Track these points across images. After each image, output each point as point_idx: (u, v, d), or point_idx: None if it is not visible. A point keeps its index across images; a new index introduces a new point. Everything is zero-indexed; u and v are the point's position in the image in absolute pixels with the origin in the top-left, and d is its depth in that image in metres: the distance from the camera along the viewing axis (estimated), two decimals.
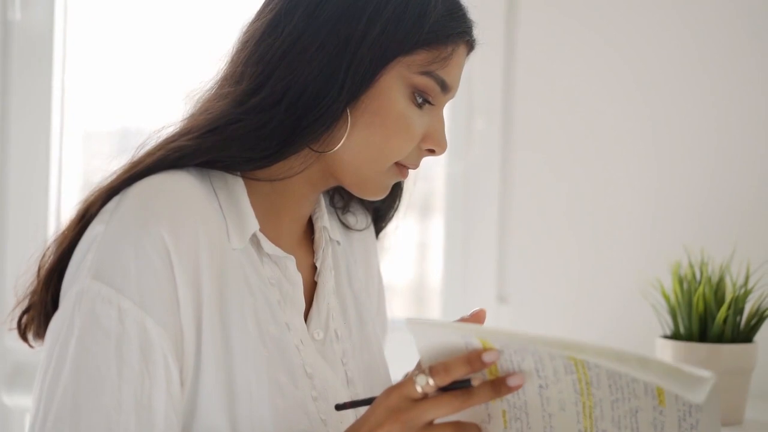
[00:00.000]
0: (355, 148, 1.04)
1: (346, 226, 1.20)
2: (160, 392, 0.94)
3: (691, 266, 1.67)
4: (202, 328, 0.97)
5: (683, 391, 0.83)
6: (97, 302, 0.94)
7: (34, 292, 1.02)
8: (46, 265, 1.02)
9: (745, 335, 1.63)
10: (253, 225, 1.03)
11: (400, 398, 0.90)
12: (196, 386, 0.97)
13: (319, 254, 1.12)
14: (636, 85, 1.97)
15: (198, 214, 0.99)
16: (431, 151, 1.09)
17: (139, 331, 0.94)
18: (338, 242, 1.17)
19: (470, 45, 1.10)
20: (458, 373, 0.89)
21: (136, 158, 1.02)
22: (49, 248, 1.03)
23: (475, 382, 0.90)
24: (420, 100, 1.06)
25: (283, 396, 1.00)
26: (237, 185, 1.04)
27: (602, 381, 0.87)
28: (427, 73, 1.05)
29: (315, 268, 1.13)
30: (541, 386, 0.90)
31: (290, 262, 1.06)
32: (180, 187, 0.99)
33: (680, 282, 1.65)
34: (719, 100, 1.93)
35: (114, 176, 1.01)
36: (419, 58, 1.05)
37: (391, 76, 1.04)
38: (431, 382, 0.89)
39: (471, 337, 0.89)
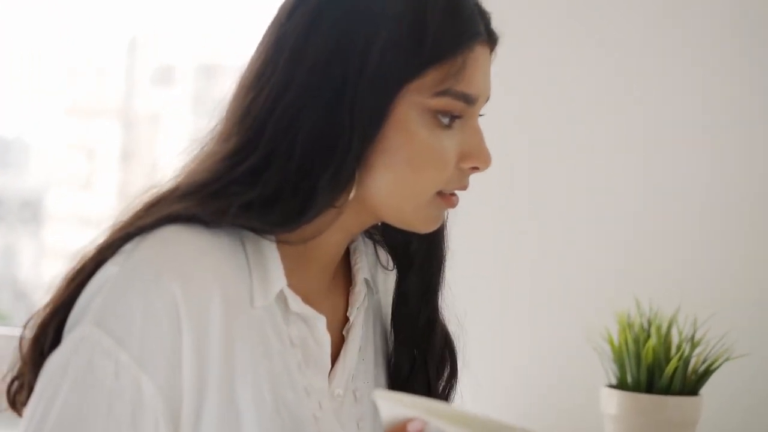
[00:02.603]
0: (385, 190, 0.95)
1: (382, 265, 1.12)
2: None
3: (640, 316, 1.66)
4: (206, 393, 0.90)
5: None
6: (96, 352, 0.88)
7: (24, 362, 0.96)
8: (40, 320, 0.95)
9: (691, 388, 1.63)
10: (280, 281, 0.95)
11: None
12: None
13: (354, 311, 1.05)
14: (586, 129, 1.98)
15: (217, 271, 0.92)
16: (475, 169, 0.99)
17: (134, 390, 0.88)
18: (375, 292, 1.10)
19: (489, 41, 0.99)
20: None
21: (125, 219, 0.96)
22: (42, 309, 0.96)
23: None
24: (446, 121, 0.96)
25: None
26: (267, 243, 0.96)
27: None
28: (443, 93, 0.94)
29: (345, 319, 1.05)
30: None
31: (320, 322, 0.99)
32: (201, 240, 0.92)
33: (629, 331, 1.64)
34: (677, 155, 1.94)
35: (106, 235, 0.95)
36: (429, 79, 0.94)
37: (404, 108, 0.94)
38: None
39: (442, 427, 0.85)
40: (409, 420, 0.85)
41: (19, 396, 0.97)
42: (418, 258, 1.09)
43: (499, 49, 1.01)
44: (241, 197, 0.92)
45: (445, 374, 1.12)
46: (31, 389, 0.94)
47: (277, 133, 0.93)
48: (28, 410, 0.91)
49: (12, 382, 0.98)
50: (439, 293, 1.11)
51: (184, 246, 0.92)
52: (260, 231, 0.95)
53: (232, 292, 0.93)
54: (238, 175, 0.93)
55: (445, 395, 1.12)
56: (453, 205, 1.00)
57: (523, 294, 1.99)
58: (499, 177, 1.97)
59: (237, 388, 0.92)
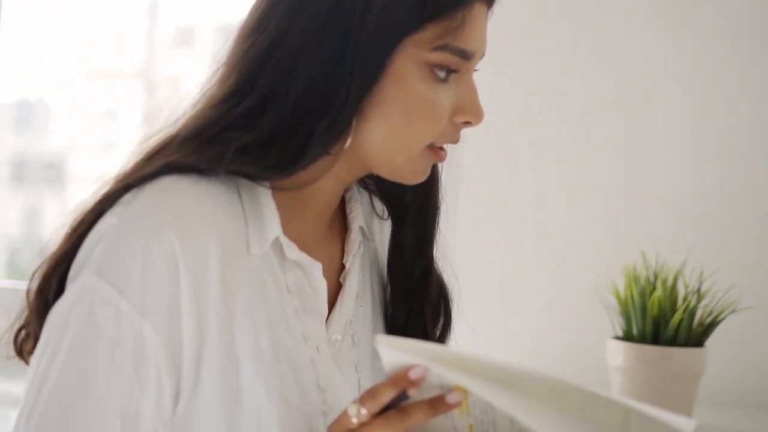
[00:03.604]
0: (379, 140, 0.97)
1: (376, 213, 1.14)
2: (149, 403, 0.90)
3: (646, 269, 1.68)
4: (206, 340, 0.92)
5: None
6: (96, 301, 0.90)
7: (30, 312, 0.98)
8: (43, 271, 0.97)
9: (697, 340, 1.65)
10: (276, 229, 0.97)
11: (339, 431, 0.88)
12: (195, 400, 0.92)
13: (350, 258, 1.06)
14: (600, 86, 1.98)
15: (214, 220, 0.94)
16: (467, 123, 1.00)
17: (135, 338, 0.89)
18: (371, 240, 1.11)
19: (488, 1, 1.00)
20: (386, 397, 0.86)
21: (126, 169, 0.97)
22: (45, 260, 0.97)
23: (412, 394, 0.87)
24: (443, 74, 0.97)
25: (291, 414, 0.95)
26: (262, 190, 0.98)
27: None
28: (442, 48, 0.95)
29: (342, 267, 1.06)
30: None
31: (316, 269, 1.00)
32: (198, 190, 0.94)
33: (634, 284, 1.66)
34: (685, 108, 1.95)
35: (109, 185, 0.96)
36: (428, 33, 0.95)
37: (402, 60, 0.95)
38: (363, 411, 0.86)
39: (444, 373, 0.85)
40: (411, 367, 0.85)
41: (25, 345, 0.99)
42: (413, 210, 1.10)
43: None
44: (236, 141, 0.94)
45: (441, 323, 1.14)
46: (37, 338, 0.96)
47: (274, 77, 0.95)
48: (34, 359, 0.93)
49: (19, 331, 1.00)
50: (434, 244, 1.12)
51: (180, 195, 0.93)
52: (255, 177, 0.96)
53: (228, 241, 0.94)
54: (234, 118, 0.95)
55: (440, 343, 1.14)
56: (442, 158, 1.02)
57: (531, 248, 2.01)
58: (506, 134, 2.00)
59: (235, 334, 0.93)
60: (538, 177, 2.01)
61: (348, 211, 1.08)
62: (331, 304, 1.05)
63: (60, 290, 0.95)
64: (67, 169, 2.44)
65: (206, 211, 0.94)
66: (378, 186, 1.12)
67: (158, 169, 0.94)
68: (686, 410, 1.64)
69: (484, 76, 1.07)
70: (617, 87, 1.98)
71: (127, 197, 0.94)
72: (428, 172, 1.02)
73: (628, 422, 0.83)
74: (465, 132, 1.04)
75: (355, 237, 1.07)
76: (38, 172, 2.40)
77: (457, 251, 2.01)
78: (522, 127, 2.01)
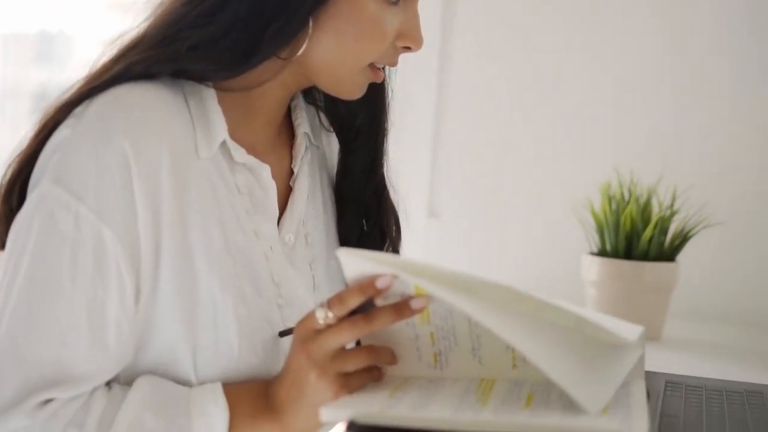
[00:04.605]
0: (326, 52, 1.02)
1: (324, 126, 1.19)
2: (113, 301, 0.96)
3: (621, 187, 1.72)
4: (162, 239, 0.97)
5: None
6: (55, 207, 0.95)
7: None
8: (7, 177, 1.02)
9: (669, 255, 1.69)
10: (222, 133, 1.02)
11: (305, 330, 0.92)
12: (155, 297, 0.98)
13: (298, 161, 1.11)
14: (577, 9, 2.02)
15: (163, 126, 0.98)
16: (407, 48, 1.05)
17: (95, 239, 0.95)
18: (318, 147, 1.16)
19: None
20: (353, 302, 0.90)
21: (94, 70, 1.01)
22: (9, 165, 1.02)
23: (378, 303, 0.90)
24: None
25: (247, 305, 1.01)
26: (209, 94, 1.03)
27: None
28: None
29: (291, 172, 1.12)
30: (470, 319, 0.91)
31: (265, 171, 1.05)
32: (147, 97, 0.99)
33: (609, 201, 1.71)
34: (663, 30, 1.98)
35: (74, 89, 1.00)
36: None
37: None
38: (330, 314, 0.90)
39: (404, 279, 0.88)
40: (378, 275, 0.89)
41: None
42: (363, 133, 1.16)
43: None
44: (190, 40, 0.98)
45: (392, 238, 1.19)
46: (4, 244, 1.01)
47: None
48: (1, 265, 0.99)
49: None
50: (384, 164, 1.18)
51: (129, 104, 0.98)
52: (203, 77, 1.01)
53: (178, 145, 0.99)
54: (193, 18, 0.99)
55: None
56: (380, 78, 1.07)
57: (511, 167, 2.07)
58: (487, 56, 2.04)
59: (188, 232, 0.99)
60: (519, 102, 2.06)
61: (293, 118, 1.14)
62: (283, 208, 1.10)
63: (23, 198, 1.00)
64: None
65: (155, 118, 0.99)
66: (328, 110, 1.18)
67: (111, 78, 0.99)
68: (658, 322, 1.69)
69: None
70: (593, 12, 2.02)
71: (79, 110, 0.99)
72: (364, 90, 1.08)
73: (580, 327, 0.87)
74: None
75: (300, 142, 1.12)
76: None
77: (438, 174, 2.09)
78: (501, 51, 2.06)
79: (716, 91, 1.94)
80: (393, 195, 1.19)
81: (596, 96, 2.01)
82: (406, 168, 1.82)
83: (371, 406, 0.87)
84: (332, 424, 0.90)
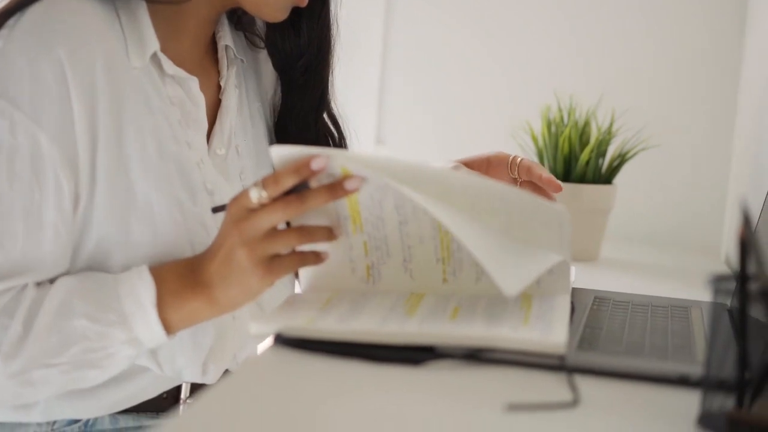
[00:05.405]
0: None
1: (253, 45, 1.21)
2: (50, 205, 0.97)
3: (560, 110, 1.74)
4: (98, 145, 0.99)
5: (544, 223, 0.90)
6: None
7: None
8: None
9: (606, 178, 1.72)
10: (153, 44, 1.04)
11: (239, 209, 0.93)
12: (92, 201, 0.99)
13: (224, 74, 1.14)
14: None
15: (96, 35, 1.00)
16: None
17: (31, 144, 0.96)
18: (242, 60, 1.18)
19: None
20: (288, 183, 0.91)
21: None
22: None
23: (312, 184, 0.91)
24: None
25: (182, 211, 1.03)
26: (139, 7, 1.04)
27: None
28: None
29: (219, 87, 1.14)
30: (401, 222, 0.94)
31: (193, 83, 1.08)
32: (79, 8, 1.00)
33: (548, 125, 1.72)
34: None
35: (5, 2, 1.01)
36: None
37: None
38: (264, 194, 0.91)
39: (333, 167, 0.90)
40: (313, 156, 0.90)
41: None
42: (311, 69, 1.18)
43: None
44: None
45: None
46: None
47: None
48: None
49: None
50: (330, 97, 1.20)
51: (62, 14, 0.99)
52: None
53: (111, 54, 1.01)
54: None
55: None
56: (304, 3, 1.10)
57: (453, 92, 2.08)
58: None
59: (124, 139, 1.01)
60: (461, 27, 2.06)
61: (217, 39, 1.16)
62: (213, 121, 1.12)
63: None
64: None
65: (88, 27, 1.00)
66: (274, 48, 1.19)
67: None
68: (595, 244, 1.72)
69: None
70: None
71: (11, 21, 1.00)
72: (287, 13, 1.09)
73: (508, 205, 0.89)
74: None
75: (222, 54, 1.15)
76: None
77: (385, 102, 2.10)
78: None
79: (655, 14, 1.95)
80: (342, 124, 1.21)
81: (536, 19, 2.02)
82: (354, 96, 1.85)
83: (298, 319, 0.88)
84: (263, 335, 0.90)
